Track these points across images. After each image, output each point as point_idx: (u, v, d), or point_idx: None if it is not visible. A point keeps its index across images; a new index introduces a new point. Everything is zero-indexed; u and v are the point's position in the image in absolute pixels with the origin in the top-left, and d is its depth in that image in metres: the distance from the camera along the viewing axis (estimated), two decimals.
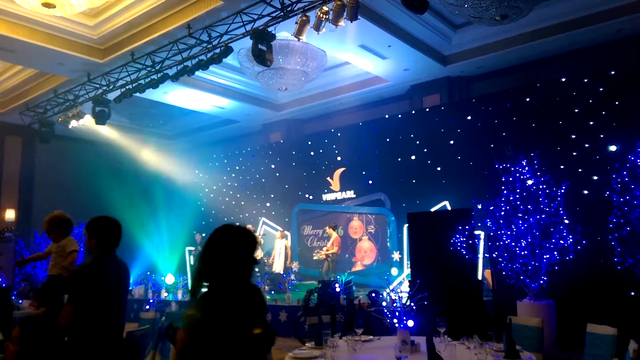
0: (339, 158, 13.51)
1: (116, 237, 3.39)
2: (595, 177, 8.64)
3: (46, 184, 14.61)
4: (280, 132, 15.45)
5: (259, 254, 13.09)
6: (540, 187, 7.32)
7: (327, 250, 12.08)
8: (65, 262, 4.93)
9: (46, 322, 2.31)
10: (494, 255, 7.52)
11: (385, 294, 8.77)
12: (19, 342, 2.20)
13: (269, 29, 8.25)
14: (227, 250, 2.44)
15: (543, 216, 7.22)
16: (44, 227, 5.06)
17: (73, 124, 12.22)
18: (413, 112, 12.40)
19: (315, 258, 12.93)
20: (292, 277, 12.25)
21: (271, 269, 12.78)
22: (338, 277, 9.52)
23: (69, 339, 3.05)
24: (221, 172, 16.08)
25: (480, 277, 9.14)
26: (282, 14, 8.18)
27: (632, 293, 7.25)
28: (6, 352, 2.23)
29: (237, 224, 2.63)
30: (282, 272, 12.57)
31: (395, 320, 4.04)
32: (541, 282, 7.18)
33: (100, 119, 11.33)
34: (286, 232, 13.61)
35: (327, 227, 12.71)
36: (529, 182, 7.40)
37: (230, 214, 15.53)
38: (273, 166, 14.88)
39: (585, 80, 9.51)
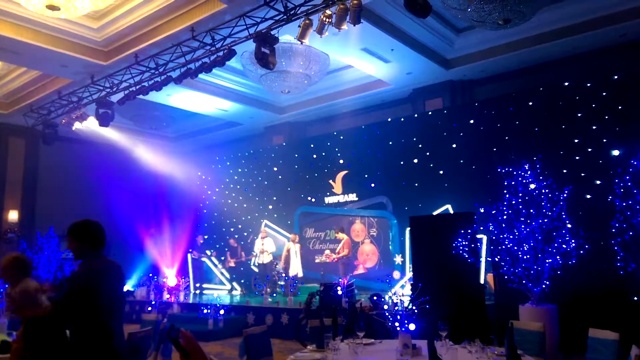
0: (341, 161, 13.51)
1: (105, 239, 3.49)
2: (598, 182, 8.62)
3: (49, 186, 14.66)
4: (282, 135, 15.48)
5: (266, 258, 13.07)
6: (543, 191, 7.29)
7: (339, 254, 12.07)
8: (34, 303, 4.02)
9: (49, 322, 2.35)
10: (497, 259, 7.49)
11: (387, 297, 8.74)
12: (22, 339, 2.26)
13: (272, 32, 8.28)
14: None
15: (545, 220, 7.19)
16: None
17: (76, 125, 12.27)
18: (416, 115, 12.41)
19: (317, 260, 12.90)
20: (295, 280, 12.21)
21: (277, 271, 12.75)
22: (340, 279, 9.50)
23: (73, 340, 3.08)
24: (224, 175, 16.10)
25: (482, 281, 9.11)
26: (285, 17, 8.20)
27: (635, 298, 7.23)
28: (11, 350, 2.28)
29: None
30: (291, 276, 12.51)
31: (397, 324, 4.03)
32: (543, 286, 7.15)
33: (104, 120, 11.37)
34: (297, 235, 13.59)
35: (336, 233, 12.70)
36: (532, 186, 7.37)
37: (232, 216, 15.54)
38: (275, 169, 14.88)
39: (589, 85, 9.49)
